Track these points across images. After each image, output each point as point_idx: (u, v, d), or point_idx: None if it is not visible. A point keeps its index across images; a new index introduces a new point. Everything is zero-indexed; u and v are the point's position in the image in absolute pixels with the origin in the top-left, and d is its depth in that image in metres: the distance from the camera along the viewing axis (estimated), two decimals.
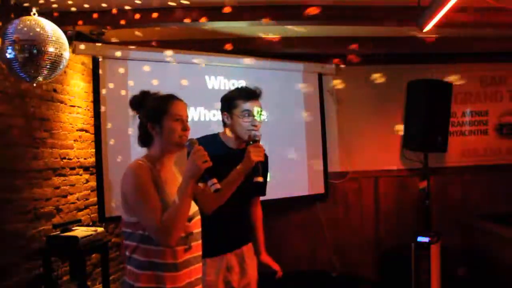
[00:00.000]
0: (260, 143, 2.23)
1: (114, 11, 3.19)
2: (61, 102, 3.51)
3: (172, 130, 1.84)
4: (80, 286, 3.23)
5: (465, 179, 4.96)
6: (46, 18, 2.72)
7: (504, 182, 4.86)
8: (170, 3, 3.17)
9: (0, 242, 2.82)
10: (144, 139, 1.90)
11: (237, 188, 2.20)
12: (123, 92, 3.69)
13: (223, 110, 2.38)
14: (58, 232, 3.21)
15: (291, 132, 4.61)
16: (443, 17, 2.76)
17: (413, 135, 4.57)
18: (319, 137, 4.79)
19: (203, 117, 4.14)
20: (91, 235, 3.25)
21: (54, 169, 3.37)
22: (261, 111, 2.33)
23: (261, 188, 2.50)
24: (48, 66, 2.66)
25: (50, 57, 2.64)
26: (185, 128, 1.86)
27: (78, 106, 3.74)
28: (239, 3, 3.23)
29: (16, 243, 2.95)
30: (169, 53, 3.86)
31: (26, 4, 2.84)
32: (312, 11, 3.00)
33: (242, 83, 4.16)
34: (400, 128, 4.68)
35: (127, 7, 3.20)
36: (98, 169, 3.66)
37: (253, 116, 2.29)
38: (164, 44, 3.94)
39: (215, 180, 1.82)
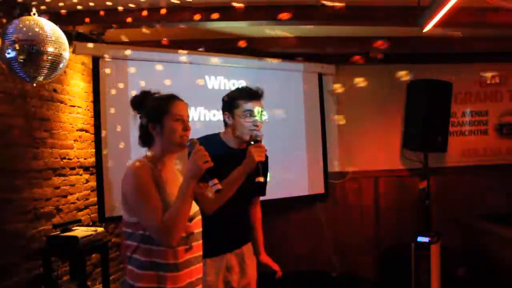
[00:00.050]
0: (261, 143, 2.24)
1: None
2: (61, 102, 3.51)
3: (173, 130, 1.83)
4: (80, 286, 3.23)
5: (465, 179, 4.95)
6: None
7: (504, 182, 4.86)
8: (174, 1, 3.16)
9: (0, 242, 2.82)
10: (145, 139, 1.89)
11: (238, 188, 2.19)
12: (123, 92, 3.68)
13: (224, 110, 2.37)
14: (58, 232, 3.21)
15: (291, 132, 4.60)
16: (443, 17, 2.77)
17: (413, 135, 4.57)
18: (319, 137, 4.78)
19: (203, 117, 4.14)
20: (91, 235, 3.25)
21: (54, 169, 3.37)
22: (262, 111, 2.33)
23: (261, 188, 2.49)
24: (47, 66, 2.66)
25: (49, 57, 2.65)
26: (186, 128, 1.86)
27: (78, 106, 3.74)
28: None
29: (16, 243, 2.95)
30: (169, 53, 3.85)
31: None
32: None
33: (242, 83, 4.16)
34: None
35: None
36: (98, 169, 3.66)
37: (255, 116, 2.30)
38: (164, 44, 3.93)
39: (216, 181, 1.82)
